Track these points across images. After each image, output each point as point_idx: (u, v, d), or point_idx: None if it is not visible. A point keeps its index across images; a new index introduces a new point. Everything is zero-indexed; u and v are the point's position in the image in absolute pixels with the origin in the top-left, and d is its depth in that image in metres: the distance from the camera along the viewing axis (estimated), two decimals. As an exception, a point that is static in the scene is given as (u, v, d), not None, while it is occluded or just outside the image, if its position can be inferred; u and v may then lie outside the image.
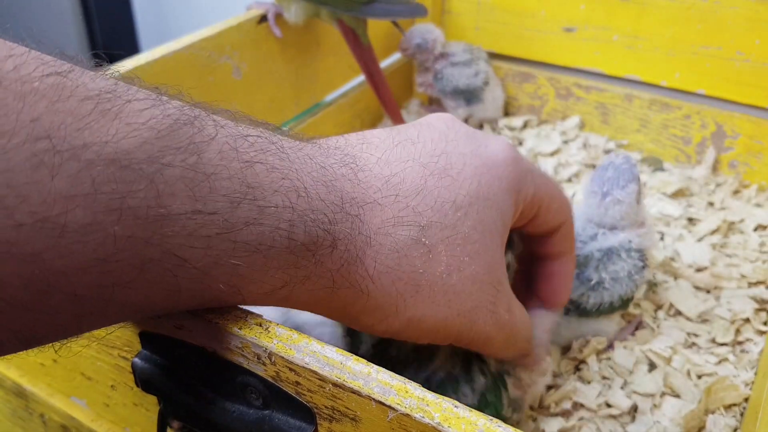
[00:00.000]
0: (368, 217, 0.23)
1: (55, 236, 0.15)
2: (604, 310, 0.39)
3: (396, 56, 0.67)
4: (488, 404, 0.32)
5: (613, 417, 0.37)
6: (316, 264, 0.21)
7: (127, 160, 0.16)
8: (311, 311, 0.24)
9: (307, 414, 0.21)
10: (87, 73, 0.18)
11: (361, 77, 0.64)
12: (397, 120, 0.62)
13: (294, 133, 0.23)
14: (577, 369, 0.40)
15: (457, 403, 0.19)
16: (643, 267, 0.39)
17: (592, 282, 0.38)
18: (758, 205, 0.53)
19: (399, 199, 0.24)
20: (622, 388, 0.38)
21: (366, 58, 0.55)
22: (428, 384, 0.31)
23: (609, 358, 0.40)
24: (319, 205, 0.21)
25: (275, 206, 0.20)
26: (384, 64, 0.66)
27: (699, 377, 0.39)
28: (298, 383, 0.21)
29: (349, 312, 0.24)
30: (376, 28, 0.62)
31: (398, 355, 0.31)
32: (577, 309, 0.39)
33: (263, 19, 0.50)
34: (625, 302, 0.40)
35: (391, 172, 0.24)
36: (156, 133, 0.17)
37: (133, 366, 0.24)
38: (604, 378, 0.39)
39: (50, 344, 0.19)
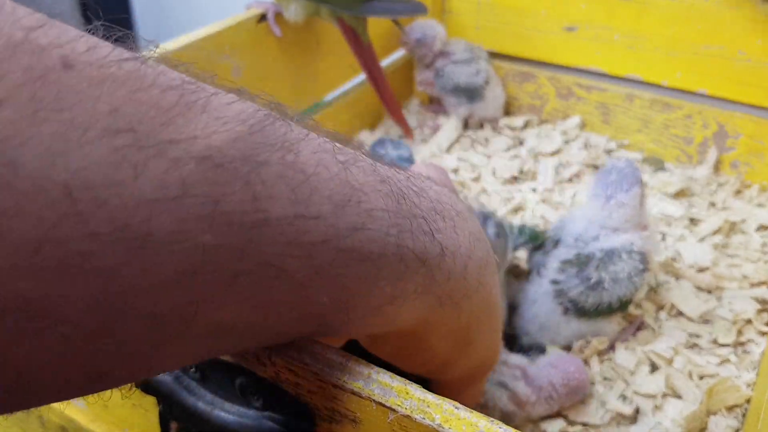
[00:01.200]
0: (461, 228, 0.22)
1: (135, 247, 0.13)
2: (602, 311, 0.39)
3: (396, 55, 0.67)
4: None
5: (615, 419, 0.37)
6: (428, 274, 0.20)
7: (220, 157, 0.14)
8: (395, 350, 0.23)
9: (306, 415, 0.21)
10: (159, 62, 0.15)
11: (361, 77, 0.64)
12: (398, 118, 0.62)
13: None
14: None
15: (457, 404, 0.19)
16: (644, 270, 0.39)
17: (592, 281, 0.38)
18: (760, 205, 0.53)
19: (467, 213, 0.23)
20: (623, 390, 0.38)
21: (366, 57, 0.54)
22: None
23: (610, 359, 0.40)
24: (419, 211, 0.20)
25: (382, 210, 0.18)
26: (384, 63, 0.66)
27: (701, 378, 0.39)
28: (297, 384, 0.21)
29: (433, 333, 0.22)
30: (377, 27, 0.62)
31: None
32: (575, 308, 0.39)
33: (263, 18, 0.50)
34: (624, 304, 0.40)
35: (446, 191, 0.23)
36: (249, 128, 0.15)
37: (132, 367, 0.24)
38: (605, 379, 0.39)
39: (121, 387, 0.16)
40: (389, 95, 0.58)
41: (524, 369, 0.37)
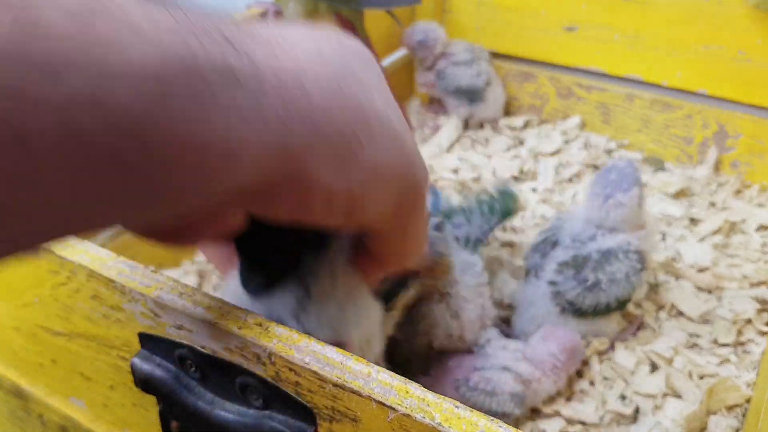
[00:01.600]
0: (290, 53, 0.20)
1: None
2: (600, 311, 0.39)
3: (396, 55, 0.67)
4: None
5: (615, 419, 0.37)
6: (247, 95, 0.18)
7: None
8: (266, 178, 0.20)
9: (307, 414, 0.21)
10: None
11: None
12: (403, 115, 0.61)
13: None
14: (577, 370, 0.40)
15: (457, 403, 0.19)
16: (642, 269, 0.39)
17: (589, 282, 0.38)
18: (760, 205, 0.53)
19: (312, 40, 0.22)
20: (623, 390, 0.38)
21: None
22: None
23: (610, 359, 0.40)
24: (208, 23, 0.18)
25: (147, 19, 0.16)
26: (384, 63, 0.66)
27: (701, 378, 0.39)
28: (298, 383, 0.21)
29: (306, 164, 0.20)
30: (377, 27, 0.62)
31: None
32: (573, 309, 0.39)
33: (264, 14, 0.51)
34: (622, 303, 0.40)
35: (291, 31, 0.22)
36: None
37: (132, 366, 0.24)
38: (605, 379, 0.39)
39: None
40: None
41: (523, 350, 0.37)
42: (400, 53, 0.66)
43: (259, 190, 0.20)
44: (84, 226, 0.17)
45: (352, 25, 0.53)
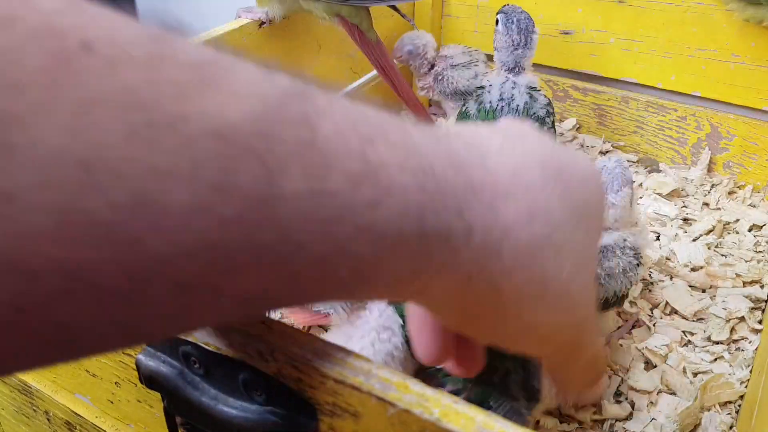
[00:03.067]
0: (503, 208, 0.21)
1: (156, 218, 0.14)
2: (598, 306, 0.40)
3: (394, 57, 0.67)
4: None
5: (610, 415, 0.37)
6: (451, 253, 0.19)
7: (233, 133, 0.14)
8: (436, 311, 0.22)
9: (308, 409, 0.22)
10: (185, 40, 0.16)
11: (362, 79, 0.64)
12: (421, 113, 0.61)
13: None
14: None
15: (456, 398, 0.19)
16: (638, 264, 0.40)
17: None
18: (753, 206, 0.54)
19: (529, 193, 0.22)
20: (618, 386, 0.39)
21: (377, 55, 0.52)
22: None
23: (606, 356, 0.41)
24: (449, 188, 0.19)
25: (402, 187, 0.17)
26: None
27: (695, 375, 0.39)
28: (299, 379, 0.21)
29: (473, 312, 0.22)
30: (375, 27, 0.63)
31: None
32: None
33: (263, 23, 0.51)
34: (620, 298, 0.40)
35: (515, 163, 0.22)
36: (265, 105, 0.15)
37: (137, 363, 0.24)
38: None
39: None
40: (406, 90, 0.56)
41: None
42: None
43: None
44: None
45: (358, 29, 0.51)
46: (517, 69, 0.53)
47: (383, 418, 0.20)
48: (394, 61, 0.63)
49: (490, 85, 0.53)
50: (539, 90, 0.54)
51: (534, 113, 0.53)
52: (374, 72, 0.65)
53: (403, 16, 0.58)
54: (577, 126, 0.64)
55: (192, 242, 0.14)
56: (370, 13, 0.51)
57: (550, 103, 0.54)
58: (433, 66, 0.63)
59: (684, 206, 0.54)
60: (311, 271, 0.17)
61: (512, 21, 0.53)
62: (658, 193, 0.55)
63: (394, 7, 0.56)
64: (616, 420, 0.37)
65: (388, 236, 0.17)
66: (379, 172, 0.17)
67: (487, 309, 0.22)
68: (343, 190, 0.16)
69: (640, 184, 0.56)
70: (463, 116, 0.54)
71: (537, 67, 0.64)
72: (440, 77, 0.63)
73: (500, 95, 0.53)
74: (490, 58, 0.65)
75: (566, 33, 0.62)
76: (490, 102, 0.53)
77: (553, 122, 0.54)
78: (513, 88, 0.53)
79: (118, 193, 0.13)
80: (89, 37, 0.14)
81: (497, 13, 0.54)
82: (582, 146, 0.62)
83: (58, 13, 0.14)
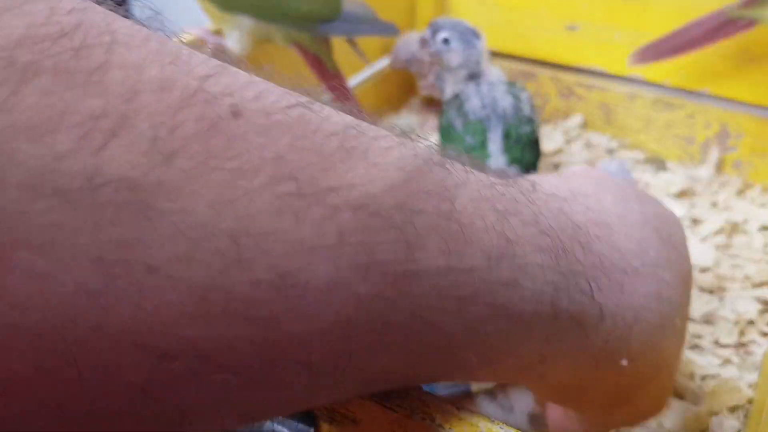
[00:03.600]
0: (631, 288, 0.20)
1: (295, 295, 0.13)
2: None
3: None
4: None
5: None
6: (581, 337, 0.19)
7: (375, 206, 0.14)
8: (550, 398, 0.22)
9: (307, 416, 0.21)
10: (327, 105, 0.16)
11: (361, 77, 0.64)
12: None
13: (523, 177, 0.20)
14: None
15: (458, 404, 0.19)
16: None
17: None
18: (763, 206, 0.53)
19: (657, 270, 0.21)
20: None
21: (335, 85, 0.49)
22: None
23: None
24: (579, 268, 0.18)
25: (537, 266, 0.17)
26: (383, 64, 0.66)
27: (702, 379, 0.39)
28: (297, 384, 0.21)
29: (594, 399, 0.21)
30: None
31: None
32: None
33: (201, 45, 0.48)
34: None
35: (639, 236, 0.21)
36: (406, 175, 0.15)
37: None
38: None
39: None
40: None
41: None
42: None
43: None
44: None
45: (318, 61, 0.48)
46: (477, 73, 0.52)
47: (383, 424, 0.19)
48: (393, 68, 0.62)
49: (467, 95, 0.52)
50: (514, 84, 0.53)
51: (523, 115, 0.51)
52: (375, 68, 0.65)
53: (357, 53, 0.53)
54: (583, 124, 0.63)
55: (327, 322, 0.14)
56: (330, 44, 0.48)
57: (530, 95, 0.53)
58: (432, 66, 0.62)
59: (692, 206, 0.53)
60: (439, 353, 0.16)
61: (466, 38, 0.52)
62: (665, 193, 0.54)
63: (351, 42, 0.51)
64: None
65: (521, 317, 0.17)
66: (516, 249, 0.16)
67: (608, 396, 0.21)
68: (480, 267, 0.16)
69: (647, 184, 0.56)
70: (447, 132, 0.52)
71: (542, 63, 0.64)
72: (441, 77, 0.62)
73: (482, 103, 0.51)
74: (492, 54, 0.65)
75: (571, 28, 0.61)
76: (474, 113, 0.51)
77: (537, 118, 0.53)
78: (490, 90, 0.51)
79: (262, 269, 0.12)
80: (239, 103, 0.13)
81: (438, 31, 0.52)
82: (587, 144, 0.61)
83: (210, 77, 0.13)
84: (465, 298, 0.15)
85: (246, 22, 0.42)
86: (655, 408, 0.25)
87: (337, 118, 0.15)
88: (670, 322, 0.21)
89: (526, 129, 0.51)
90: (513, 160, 0.49)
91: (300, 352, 0.14)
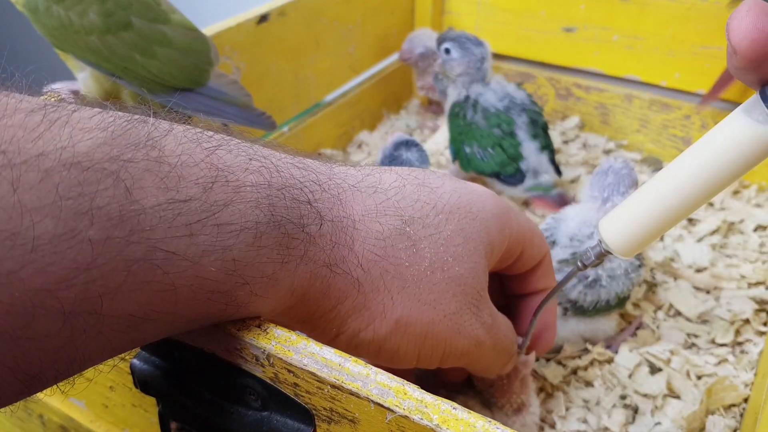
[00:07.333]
0: (350, 202, 0.23)
1: (27, 251, 0.15)
2: (601, 308, 0.39)
3: (392, 58, 0.67)
4: None
5: (614, 419, 0.37)
6: (308, 241, 0.21)
7: (87, 161, 0.16)
8: (308, 319, 0.23)
9: (305, 415, 0.21)
10: (25, 93, 0.18)
11: (361, 77, 0.64)
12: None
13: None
14: (574, 372, 0.40)
15: (455, 404, 0.19)
16: (640, 266, 0.40)
17: (589, 279, 0.38)
18: (758, 206, 0.53)
19: (378, 192, 0.24)
20: (622, 390, 0.38)
21: None
22: None
23: (609, 360, 0.40)
24: (295, 182, 0.21)
25: (250, 185, 0.20)
26: (382, 65, 0.66)
27: (699, 378, 0.39)
28: (296, 385, 0.21)
29: (339, 313, 0.23)
30: (373, 28, 0.62)
31: None
32: (574, 308, 0.39)
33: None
34: (622, 300, 0.40)
35: (365, 173, 0.24)
36: (111, 134, 0.17)
37: (132, 367, 0.24)
38: (605, 381, 0.39)
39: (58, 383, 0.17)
40: None
41: None
42: (397, 56, 0.66)
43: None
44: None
45: None
46: (480, 78, 0.53)
47: (381, 424, 0.19)
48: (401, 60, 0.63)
49: (478, 93, 0.53)
50: (518, 85, 0.55)
51: (538, 109, 0.53)
52: (374, 69, 0.65)
53: (224, 126, 0.44)
54: (580, 125, 0.63)
55: (66, 269, 0.15)
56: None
57: (530, 95, 0.55)
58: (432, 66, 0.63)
59: (688, 206, 0.53)
60: (186, 279, 0.18)
61: (465, 46, 0.53)
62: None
63: (225, 126, 0.43)
64: (620, 423, 0.37)
65: (247, 229, 0.19)
66: (227, 175, 0.19)
67: (350, 307, 0.23)
68: (197, 196, 0.18)
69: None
70: (468, 132, 0.52)
71: (540, 64, 0.64)
72: (440, 77, 0.62)
73: (497, 96, 0.53)
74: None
75: (569, 30, 0.61)
76: (494, 106, 0.52)
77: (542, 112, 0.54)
78: (500, 87, 0.53)
79: None
80: None
81: (443, 42, 0.53)
82: (585, 145, 0.61)
83: None
84: (192, 223, 0.18)
85: (95, 72, 0.36)
86: (445, 337, 0.25)
87: (34, 100, 0.17)
88: (399, 233, 0.24)
89: (542, 119, 0.53)
90: (543, 147, 0.51)
91: (49, 302, 0.15)
